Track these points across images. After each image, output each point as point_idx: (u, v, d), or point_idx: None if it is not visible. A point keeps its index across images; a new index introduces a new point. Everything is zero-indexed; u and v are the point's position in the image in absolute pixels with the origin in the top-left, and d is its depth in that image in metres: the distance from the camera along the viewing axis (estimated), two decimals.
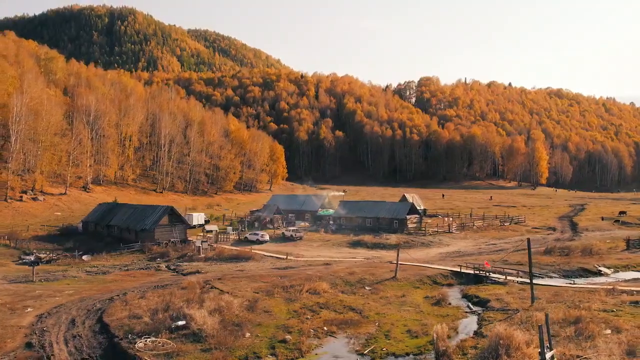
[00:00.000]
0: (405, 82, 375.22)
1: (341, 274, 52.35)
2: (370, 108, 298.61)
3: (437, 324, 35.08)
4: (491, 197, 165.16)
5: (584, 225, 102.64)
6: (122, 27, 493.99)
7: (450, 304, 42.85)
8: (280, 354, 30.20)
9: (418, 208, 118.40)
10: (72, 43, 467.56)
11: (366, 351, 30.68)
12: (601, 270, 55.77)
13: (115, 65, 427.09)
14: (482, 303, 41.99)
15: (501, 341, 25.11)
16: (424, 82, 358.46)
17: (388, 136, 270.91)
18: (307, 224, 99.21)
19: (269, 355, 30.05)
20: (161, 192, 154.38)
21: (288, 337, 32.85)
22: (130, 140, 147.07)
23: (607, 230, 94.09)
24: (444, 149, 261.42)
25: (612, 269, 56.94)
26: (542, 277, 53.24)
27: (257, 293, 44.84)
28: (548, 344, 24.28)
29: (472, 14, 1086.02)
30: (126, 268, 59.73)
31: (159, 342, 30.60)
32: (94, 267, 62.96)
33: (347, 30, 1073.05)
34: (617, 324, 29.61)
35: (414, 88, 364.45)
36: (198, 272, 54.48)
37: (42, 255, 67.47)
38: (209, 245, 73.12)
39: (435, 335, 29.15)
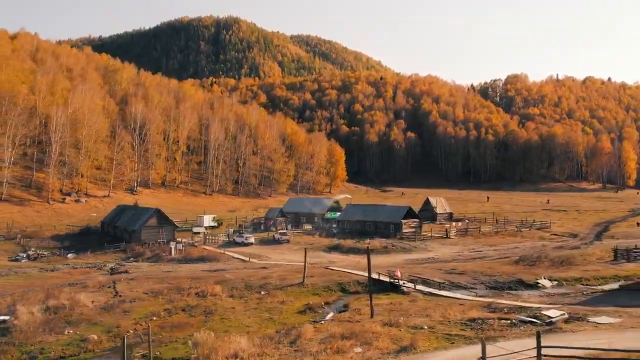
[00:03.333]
0: (491, 80, 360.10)
1: (254, 277, 52.54)
2: (446, 108, 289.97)
3: (261, 330, 34.85)
4: (548, 200, 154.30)
5: (616, 231, 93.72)
6: (227, 36, 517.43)
7: (317, 312, 41.67)
8: (58, 350, 31.58)
9: (443, 212, 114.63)
10: (181, 53, 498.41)
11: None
12: (538, 283, 50.99)
13: (220, 72, 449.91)
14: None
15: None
16: (511, 80, 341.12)
17: (462, 137, 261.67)
18: (310, 226, 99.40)
19: (51, 352, 31.48)
20: (210, 195, 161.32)
21: (94, 336, 34.06)
22: (177, 144, 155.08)
23: (635, 238, 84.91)
24: (520, 150, 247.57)
25: (556, 282, 51.86)
26: (465, 289, 49.83)
27: (146, 294, 46.48)
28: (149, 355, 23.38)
29: (573, 8, 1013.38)
30: (78, 266, 63.93)
31: None
32: (66, 264, 68.08)
33: (443, 29, 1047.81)
34: (375, 343, 27.50)
35: (500, 86, 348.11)
36: (127, 272, 57.09)
37: (30, 253, 73.92)
38: (183, 246, 75.95)
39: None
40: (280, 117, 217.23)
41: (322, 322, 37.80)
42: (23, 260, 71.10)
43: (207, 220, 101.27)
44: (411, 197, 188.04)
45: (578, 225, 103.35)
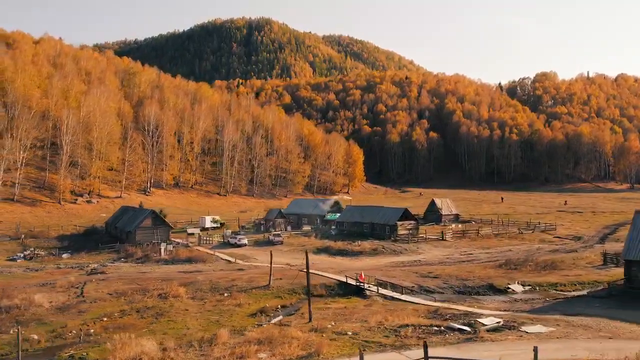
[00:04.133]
0: (520, 78, 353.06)
1: (224, 279, 52.87)
2: (471, 108, 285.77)
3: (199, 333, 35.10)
4: (566, 201, 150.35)
5: (623, 234, 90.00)
6: (259, 37, 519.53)
7: (268, 315, 41.67)
8: None
9: (448, 213, 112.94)
10: (214, 55, 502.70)
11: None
12: (509, 288, 49.78)
13: (252, 73, 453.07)
14: None
15: None
16: (539, 78, 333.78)
17: (485, 137, 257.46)
18: (310, 227, 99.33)
19: None
20: (225, 195, 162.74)
21: (34, 336, 34.89)
22: (191, 145, 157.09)
23: None
24: (545, 149, 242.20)
25: (529, 287, 50.62)
26: (433, 293, 49.11)
27: (110, 294, 47.35)
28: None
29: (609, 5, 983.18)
30: (63, 267, 65.40)
31: None
32: (57, 264, 69.64)
33: (477, 27, 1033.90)
34: (280, 349, 27.30)
35: (529, 85, 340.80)
36: (103, 272, 58.13)
37: (27, 253, 76.03)
38: (173, 247, 76.88)
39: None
40: (299, 118, 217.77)
41: (265, 325, 37.80)
42: (19, 260, 73.12)
43: (209, 221, 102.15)
44: (428, 198, 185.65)
45: (586, 228, 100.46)
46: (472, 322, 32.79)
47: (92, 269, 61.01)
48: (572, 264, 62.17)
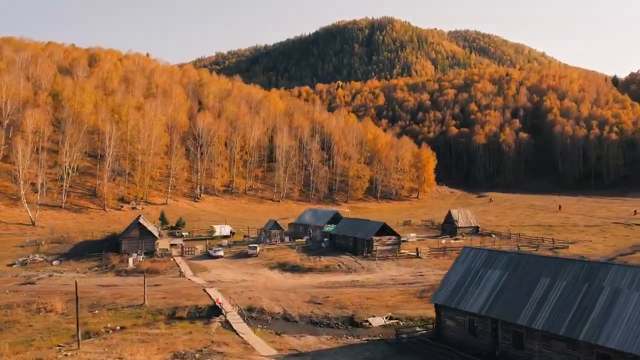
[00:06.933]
0: (638, 70, 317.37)
1: (113, 296, 55.57)
2: (570, 105, 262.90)
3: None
4: (635, 211, 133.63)
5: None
6: (380, 37, 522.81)
7: (93, 338, 43.52)
8: None
9: (466, 225, 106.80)
10: (336, 56, 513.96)
11: None
12: (367, 322, 46.79)
13: (372, 73, 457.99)
14: None
15: None
16: None
17: (580, 136, 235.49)
18: (304, 239, 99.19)
19: None
20: (278, 201, 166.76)
21: None
22: (244, 152, 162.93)
23: None
24: None
25: (395, 321, 47.26)
26: (288, 321, 47.95)
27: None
28: None
29: None
30: (25, 274, 72.39)
31: None
32: (37, 270, 77.24)
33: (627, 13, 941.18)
34: None
35: None
36: (32, 283, 63.73)
37: (25, 259, 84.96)
38: (143, 258, 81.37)
39: None
40: (367, 122, 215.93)
41: (64, 348, 39.85)
42: (16, 265, 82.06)
43: (219, 230, 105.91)
44: (496, 205, 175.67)
45: (611, 246, 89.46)
46: None
47: (37, 279, 67.14)
48: None
